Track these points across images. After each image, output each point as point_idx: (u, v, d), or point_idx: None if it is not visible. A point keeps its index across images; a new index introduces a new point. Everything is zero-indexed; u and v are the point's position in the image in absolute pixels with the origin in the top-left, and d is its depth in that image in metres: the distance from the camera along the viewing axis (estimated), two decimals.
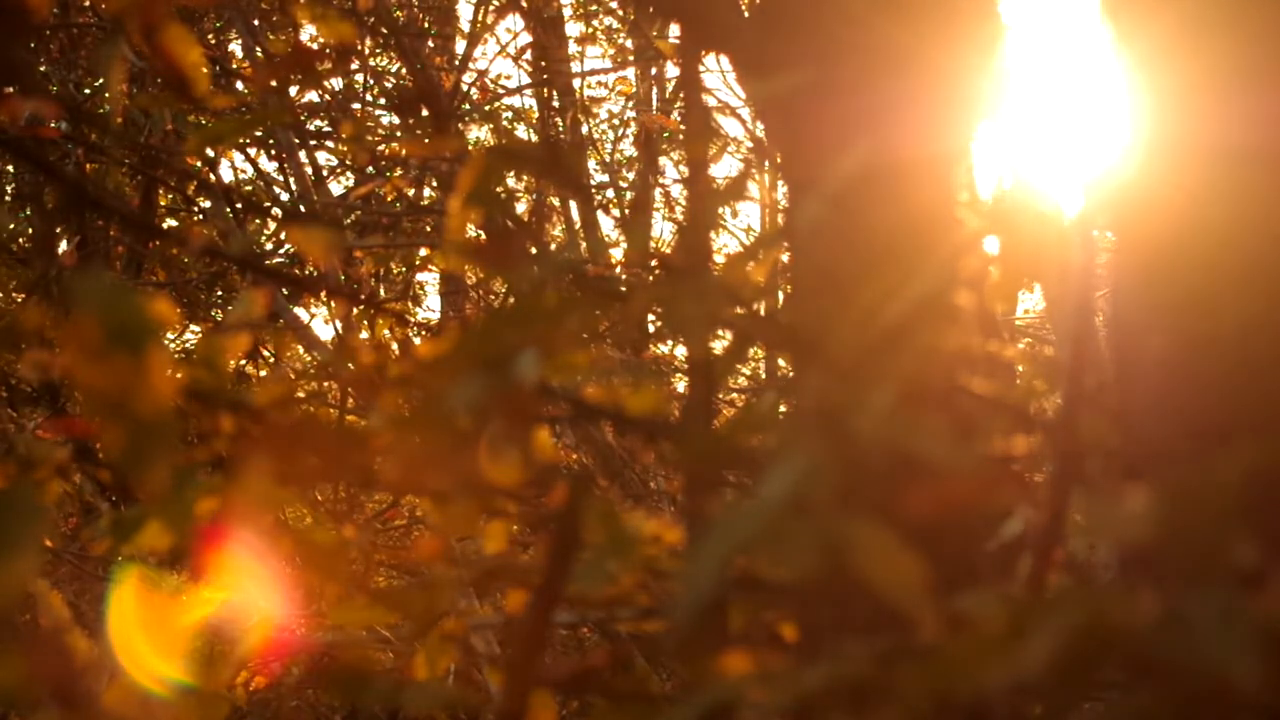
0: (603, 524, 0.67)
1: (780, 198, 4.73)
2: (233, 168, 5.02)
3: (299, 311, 3.40)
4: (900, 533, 0.51)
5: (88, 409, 0.55)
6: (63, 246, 4.77)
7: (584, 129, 4.91)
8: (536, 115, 5.23)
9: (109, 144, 3.72)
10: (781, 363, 4.11)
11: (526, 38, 5.01)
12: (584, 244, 4.52)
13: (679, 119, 4.72)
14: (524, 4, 4.40)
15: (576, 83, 4.99)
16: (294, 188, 3.62)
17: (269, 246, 4.49)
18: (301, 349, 3.43)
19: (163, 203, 5.34)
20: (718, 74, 7.19)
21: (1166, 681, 0.47)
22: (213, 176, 3.72)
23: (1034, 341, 4.16)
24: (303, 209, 3.40)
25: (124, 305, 0.54)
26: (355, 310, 2.75)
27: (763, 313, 0.74)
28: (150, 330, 0.55)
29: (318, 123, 4.50)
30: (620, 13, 5.46)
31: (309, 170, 3.59)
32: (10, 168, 5.06)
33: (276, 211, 4.16)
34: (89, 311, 0.54)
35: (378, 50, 4.73)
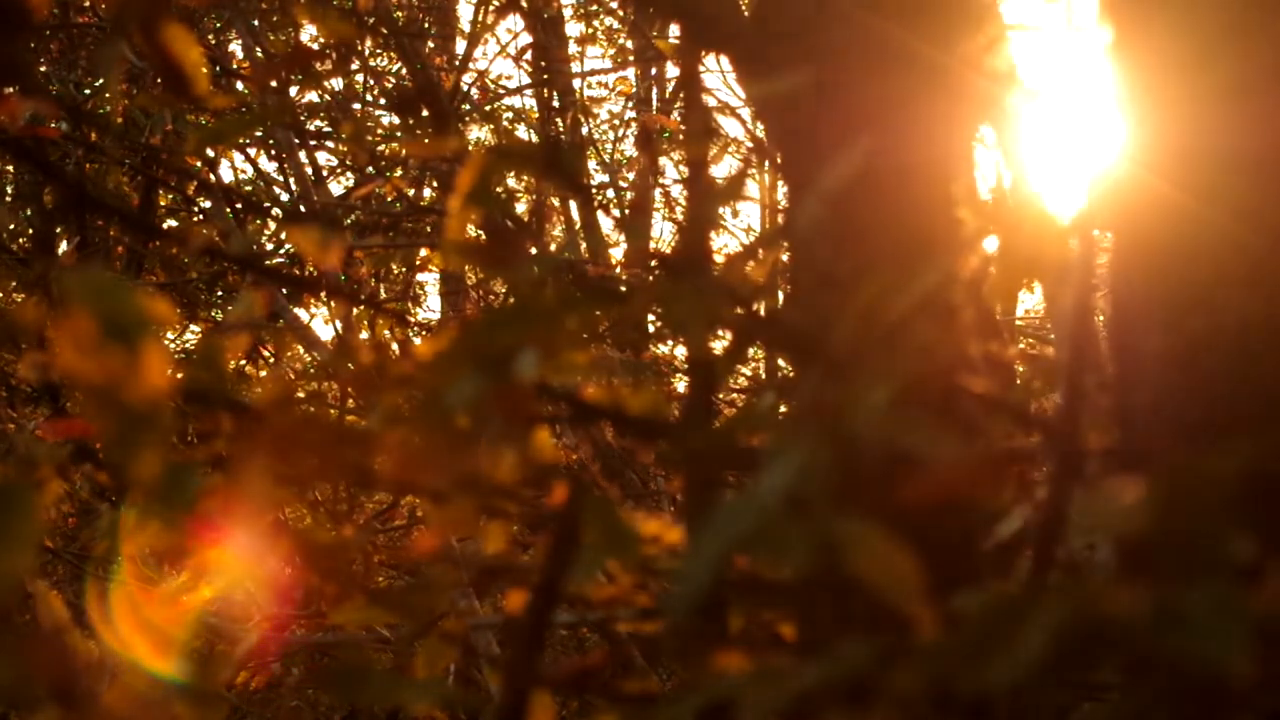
0: (601, 522, 0.67)
1: (780, 198, 4.73)
2: (233, 168, 5.03)
3: (299, 311, 3.40)
4: (898, 531, 0.51)
5: (83, 403, 0.55)
6: (63, 246, 4.77)
7: (584, 129, 4.91)
8: (536, 115, 5.23)
9: (109, 144, 3.72)
10: (781, 363, 4.10)
11: (526, 38, 5.02)
12: (584, 244, 4.52)
13: (679, 119, 4.72)
14: (524, 4, 4.40)
15: (576, 83, 4.99)
16: (294, 188, 3.62)
17: (269, 246, 4.50)
18: (301, 349, 3.43)
19: (163, 203, 5.34)
20: (718, 74, 7.19)
21: (1163, 677, 0.47)
22: (213, 176, 3.73)
23: (1034, 341, 4.16)
24: (303, 209, 3.40)
25: (118, 299, 0.54)
26: (355, 310, 2.75)
27: (763, 313, 0.74)
28: (144, 323, 0.55)
29: (318, 123, 4.50)
30: (620, 13, 5.46)
31: (309, 170, 3.59)
32: (10, 168, 5.06)
33: (276, 211, 4.16)
34: (83, 305, 0.54)
35: (378, 50, 4.73)
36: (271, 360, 4.46)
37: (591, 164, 5.04)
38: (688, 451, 0.74)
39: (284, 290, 2.94)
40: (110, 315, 0.54)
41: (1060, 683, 0.48)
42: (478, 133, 5.19)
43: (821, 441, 0.53)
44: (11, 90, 0.94)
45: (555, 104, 4.77)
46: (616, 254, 5.02)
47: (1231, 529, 0.48)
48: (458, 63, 4.77)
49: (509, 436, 0.69)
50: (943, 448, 0.53)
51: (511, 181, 4.79)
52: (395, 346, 0.80)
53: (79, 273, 0.54)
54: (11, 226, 4.98)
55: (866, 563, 0.50)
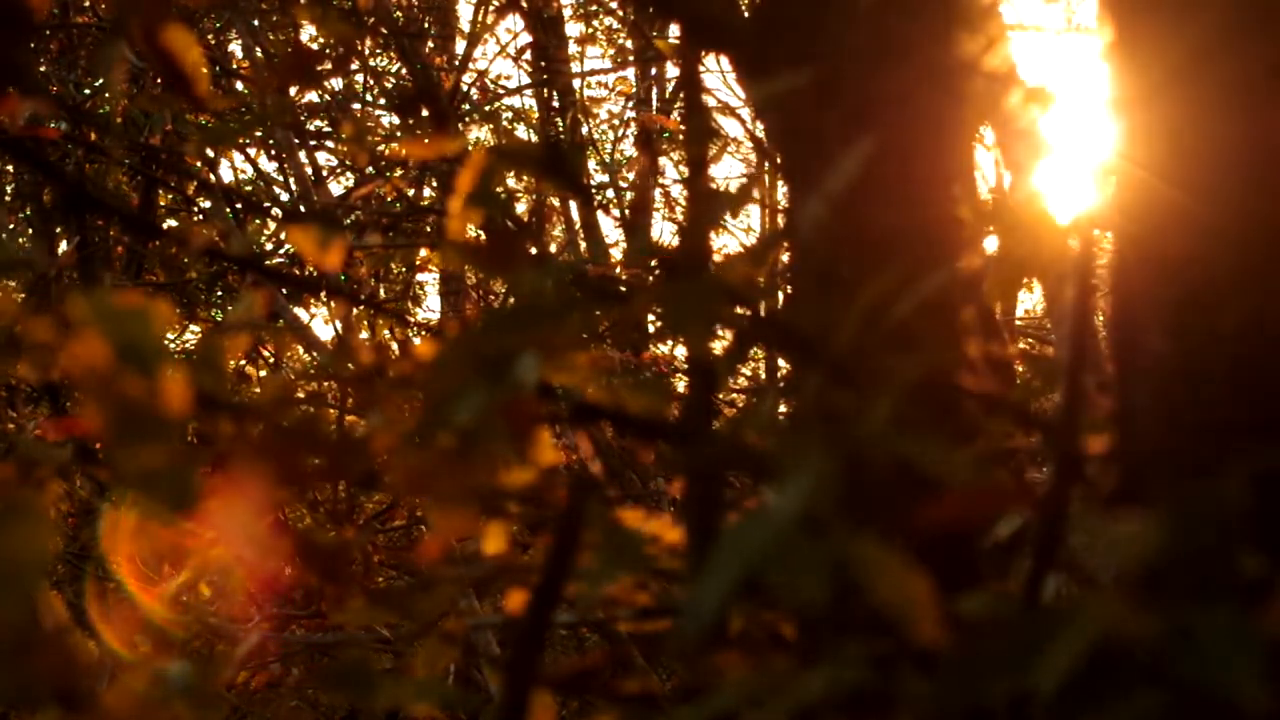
0: (602, 524, 0.67)
1: (780, 198, 4.73)
2: (233, 168, 5.03)
3: (299, 311, 3.40)
4: (899, 534, 0.51)
5: (82, 402, 0.55)
6: (63, 247, 4.77)
7: (584, 129, 4.90)
8: (536, 115, 5.23)
9: (109, 144, 3.72)
10: (781, 363, 4.10)
11: (526, 38, 5.01)
12: (584, 244, 4.52)
13: (679, 119, 4.72)
14: (524, 4, 4.40)
15: (576, 83, 4.98)
16: (294, 188, 3.62)
17: (269, 246, 4.49)
18: (301, 349, 3.43)
19: (163, 203, 5.34)
20: (718, 74, 7.19)
21: (1171, 693, 0.47)
22: (213, 176, 3.72)
23: (1034, 341, 4.16)
24: (303, 209, 3.40)
25: (132, 326, 0.54)
26: (355, 310, 2.75)
27: (763, 313, 0.74)
28: (159, 351, 0.55)
29: (318, 123, 4.50)
30: (620, 13, 5.46)
31: (309, 170, 3.59)
32: (10, 168, 5.06)
33: (276, 211, 4.16)
34: (97, 331, 0.53)
35: (378, 50, 4.73)
36: (271, 360, 4.46)
37: (591, 164, 5.04)
38: (688, 452, 0.74)
39: (284, 290, 2.94)
40: (125, 340, 0.54)
41: (1070, 696, 0.48)
42: (478, 133, 5.19)
43: (830, 459, 0.52)
44: (11, 90, 0.94)
45: (555, 104, 4.77)
46: (616, 254, 5.01)
47: (1239, 549, 0.48)
48: (458, 63, 4.77)
49: (510, 438, 0.69)
50: (949, 464, 0.53)
51: (511, 181, 4.79)
52: (395, 346, 0.80)
53: (92, 296, 0.54)
54: (11, 226, 4.98)
55: (880, 582, 0.50)
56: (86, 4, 4.37)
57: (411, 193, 4.18)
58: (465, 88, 4.54)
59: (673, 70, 5.35)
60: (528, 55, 5.06)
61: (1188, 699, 0.47)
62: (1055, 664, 0.46)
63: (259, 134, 3.92)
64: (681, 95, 4.45)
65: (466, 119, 4.71)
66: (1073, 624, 0.47)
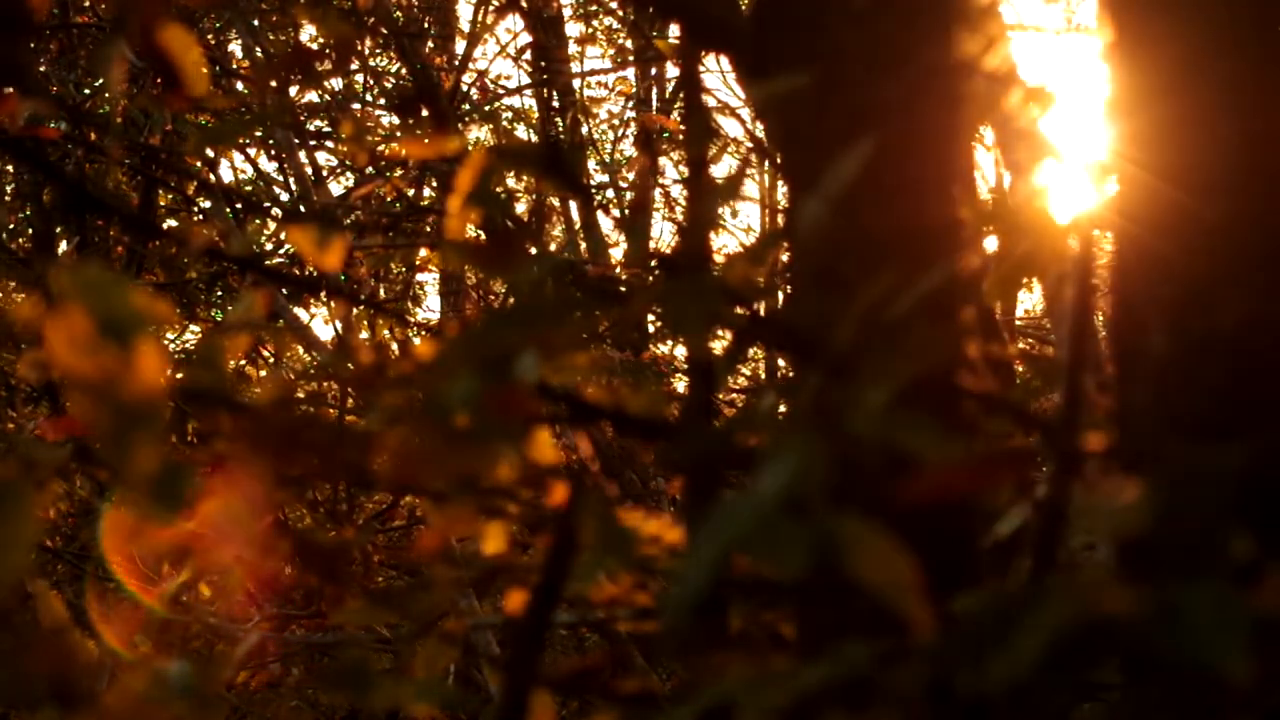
0: (599, 523, 0.67)
1: (780, 198, 4.73)
2: (233, 168, 5.03)
3: (299, 311, 3.40)
4: (897, 531, 0.51)
5: (76, 399, 0.55)
6: (63, 246, 4.77)
7: (584, 129, 4.91)
8: (536, 115, 5.24)
9: (109, 144, 3.72)
10: (781, 363, 4.10)
11: (526, 38, 5.02)
12: (584, 244, 4.53)
13: (679, 119, 4.72)
14: (524, 4, 4.40)
15: (576, 83, 4.99)
16: (294, 188, 3.62)
17: (269, 246, 4.49)
18: (301, 349, 3.43)
19: (163, 203, 5.34)
20: (718, 74, 7.19)
21: (1163, 677, 0.47)
22: (213, 176, 3.72)
23: (1034, 341, 4.16)
24: (303, 209, 3.40)
25: (113, 296, 0.54)
26: (355, 310, 2.75)
27: (763, 313, 0.74)
28: (139, 320, 0.55)
29: (318, 123, 4.50)
30: (620, 13, 5.47)
31: (309, 170, 3.59)
32: (10, 168, 5.06)
33: (276, 211, 4.16)
34: (79, 302, 0.54)
35: (378, 50, 4.73)
36: (271, 360, 4.46)
37: (591, 164, 5.04)
38: (687, 452, 0.74)
39: (284, 290, 2.94)
40: (105, 312, 0.54)
41: (1059, 682, 0.48)
42: (478, 133, 5.19)
43: (819, 441, 0.53)
44: (11, 90, 0.94)
45: (555, 104, 4.77)
46: (616, 254, 5.02)
47: (1230, 529, 0.48)
48: (458, 63, 4.77)
49: (508, 436, 0.69)
50: (940, 448, 0.53)
51: (511, 181, 4.79)
52: (395, 346, 0.80)
53: (74, 270, 0.54)
54: (11, 226, 4.98)
55: (864, 563, 0.50)
56: (86, 4, 4.38)
57: (411, 193, 4.18)
58: (465, 88, 4.54)
59: (673, 70, 5.35)
60: (528, 55, 5.06)
61: (1178, 684, 0.47)
62: (1031, 644, 0.46)
63: (259, 134, 3.92)
64: (681, 95, 4.45)
65: (466, 119, 4.71)
66: (1048, 603, 0.47)
